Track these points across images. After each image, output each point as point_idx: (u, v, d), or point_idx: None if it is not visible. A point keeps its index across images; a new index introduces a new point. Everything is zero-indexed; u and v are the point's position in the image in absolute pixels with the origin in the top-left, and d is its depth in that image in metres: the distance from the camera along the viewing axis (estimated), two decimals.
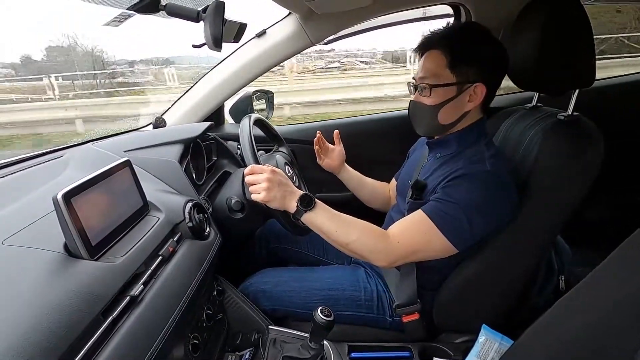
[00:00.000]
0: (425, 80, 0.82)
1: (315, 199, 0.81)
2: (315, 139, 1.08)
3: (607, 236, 0.68)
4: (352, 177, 1.15)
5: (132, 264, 0.58)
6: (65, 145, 1.01)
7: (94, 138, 1.08)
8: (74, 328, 0.44)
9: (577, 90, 0.81)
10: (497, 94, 0.86)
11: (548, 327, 0.64)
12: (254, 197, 0.81)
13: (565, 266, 0.94)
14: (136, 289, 0.54)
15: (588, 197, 0.78)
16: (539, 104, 0.97)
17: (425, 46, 0.84)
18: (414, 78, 0.87)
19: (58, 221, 0.51)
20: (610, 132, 0.80)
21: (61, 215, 0.50)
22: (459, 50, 0.79)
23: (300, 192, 0.81)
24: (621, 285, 0.55)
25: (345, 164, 1.14)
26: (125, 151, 0.89)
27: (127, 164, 0.66)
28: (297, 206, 0.80)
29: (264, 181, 0.79)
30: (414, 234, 0.79)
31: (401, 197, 0.99)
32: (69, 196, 0.51)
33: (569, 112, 0.82)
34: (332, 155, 1.11)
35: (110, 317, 0.49)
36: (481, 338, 0.83)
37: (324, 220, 0.81)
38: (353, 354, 0.89)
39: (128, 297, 0.53)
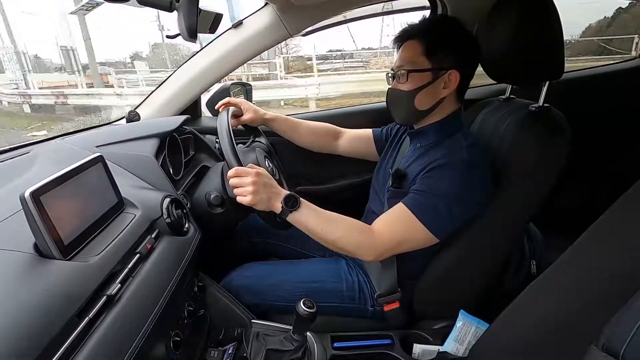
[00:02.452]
0: (403, 67, 0.85)
1: (300, 199, 0.82)
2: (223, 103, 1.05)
3: (575, 223, 0.71)
4: (283, 124, 1.15)
5: (108, 262, 0.56)
6: (31, 142, 0.96)
7: (61, 133, 1.03)
8: (48, 330, 0.43)
9: (547, 83, 0.84)
10: (472, 85, 0.88)
11: (520, 310, 0.68)
12: (240, 199, 0.80)
13: (537, 251, 0.99)
14: (113, 288, 0.53)
15: (558, 186, 0.81)
16: (512, 96, 1.00)
17: (403, 37, 0.86)
18: (392, 69, 0.89)
19: (27, 221, 0.49)
20: (578, 123, 0.84)
21: (30, 214, 0.48)
22: (434, 39, 0.82)
23: (284, 192, 0.82)
24: (587, 269, 0.58)
25: (271, 113, 1.13)
26: (97, 146, 0.85)
27: (100, 159, 0.64)
28: (282, 207, 0.80)
29: (250, 185, 0.78)
30: (397, 227, 0.81)
31: (381, 186, 1.00)
32: (37, 194, 0.49)
33: (540, 103, 0.85)
34: (245, 109, 1.08)
35: (87, 318, 0.48)
36: (459, 323, 0.86)
37: (309, 219, 0.82)
38: (336, 344, 0.91)
39: (105, 297, 0.51)
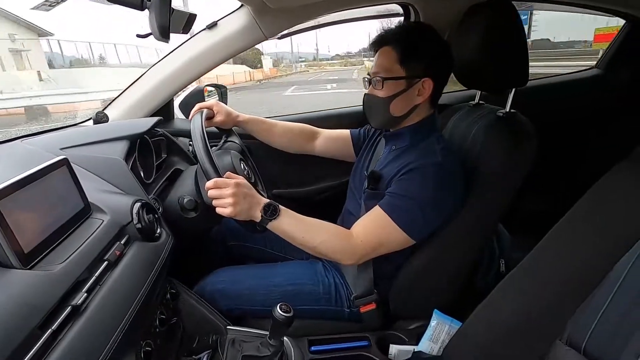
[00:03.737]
0: (379, 74, 0.86)
1: (279, 206, 0.81)
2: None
3: (541, 223, 0.75)
4: (257, 126, 1.13)
5: (73, 270, 0.53)
6: None
7: (23, 134, 0.97)
8: (6, 344, 0.40)
9: (513, 89, 0.88)
10: (445, 91, 0.91)
11: (490, 308, 0.70)
12: (220, 211, 0.79)
13: (505, 251, 1.03)
14: (79, 298, 0.50)
15: (525, 188, 0.85)
16: (481, 102, 1.04)
17: (379, 43, 0.88)
18: (368, 73, 0.90)
19: None
20: (542, 127, 0.88)
21: None
22: (408, 47, 0.84)
23: (264, 201, 0.81)
24: (553, 266, 0.61)
25: (243, 115, 1.11)
26: (61, 148, 0.81)
27: (65, 162, 0.61)
28: (262, 216, 0.80)
29: (230, 196, 0.77)
30: (375, 230, 0.83)
31: (358, 187, 1.01)
32: None
33: (507, 109, 0.89)
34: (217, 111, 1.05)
35: (49, 330, 0.45)
36: (433, 322, 0.88)
37: (289, 226, 0.82)
38: (313, 348, 0.90)
39: (69, 307, 0.49)
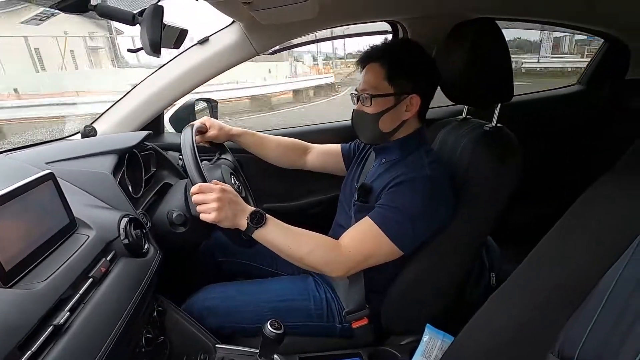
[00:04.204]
0: (367, 91, 0.87)
1: (266, 215, 0.80)
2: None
3: (529, 236, 0.76)
4: (249, 139, 1.13)
5: (56, 288, 0.52)
6: None
7: (8, 148, 0.95)
8: None
9: (499, 105, 0.90)
10: (433, 106, 0.93)
11: (481, 322, 0.70)
12: (204, 217, 0.77)
13: (495, 264, 1.04)
14: (61, 317, 0.49)
15: (513, 201, 0.87)
16: (468, 116, 1.06)
17: (366, 60, 0.89)
18: (356, 90, 0.91)
19: None
20: (528, 141, 0.91)
21: None
22: (395, 64, 0.85)
23: (250, 209, 0.80)
24: (543, 279, 0.62)
25: (237, 129, 1.11)
26: (47, 163, 0.80)
27: (50, 177, 0.59)
28: (248, 223, 0.78)
29: (214, 201, 0.76)
30: (364, 241, 0.82)
31: (348, 200, 1.02)
32: None
33: (493, 123, 0.91)
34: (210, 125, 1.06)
35: (29, 352, 0.43)
36: (425, 337, 0.88)
37: (276, 235, 0.81)
38: None
39: (51, 327, 0.47)
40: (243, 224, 0.79)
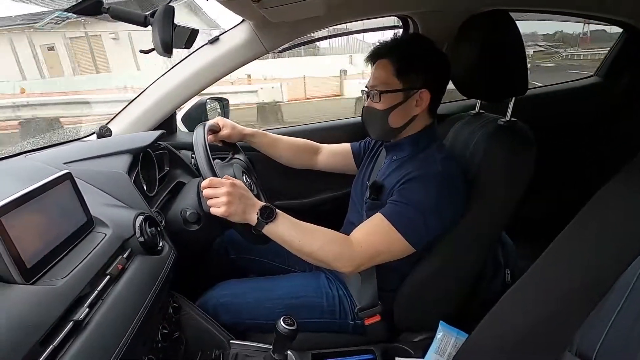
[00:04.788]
0: (376, 87, 0.87)
1: (276, 210, 0.81)
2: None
3: (545, 231, 0.74)
4: (262, 139, 1.14)
5: (75, 285, 0.53)
6: None
7: (27, 149, 0.98)
8: None
9: (513, 98, 0.89)
10: (445, 101, 0.92)
11: (497, 319, 0.69)
12: (214, 211, 0.78)
13: (510, 260, 1.02)
14: (80, 313, 0.50)
15: (527, 195, 0.85)
16: (481, 111, 1.05)
17: (375, 56, 0.89)
18: (366, 86, 0.91)
19: None
20: (543, 135, 0.89)
21: None
22: (404, 60, 0.85)
23: (260, 204, 0.81)
24: (559, 276, 0.61)
25: (250, 129, 1.12)
26: (65, 163, 0.82)
27: (68, 176, 0.61)
28: (258, 218, 0.79)
29: (224, 195, 0.77)
30: (375, 236, 0.82)
31: (359, 198, 1.01)
32: None
33: (507, 117, 0.89)
34: (223, 125, 1.07)
35: (51, 346, 0.45)
36: (439, 334, 0.87)
37: (286, 230, 0.81)
38: None
39: (71, 323, 0.48)
40: (253, 218, 0.79)
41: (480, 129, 0.91)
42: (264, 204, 0.81)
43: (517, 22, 0.83)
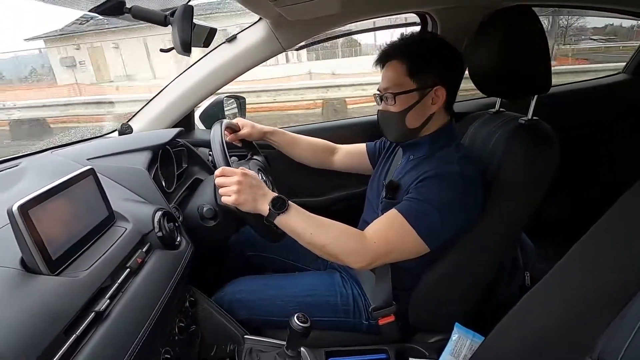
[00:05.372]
0: (389, 90, 0.86)
1: (289, 201, 0.80)
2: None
3: (566, 232, 0.72)
4: (281, 138, 1.15)
5: (97, 277, 0.55)
6: (22, 154, 0.95)
7: (53, 146, 1.02)
8: (33, 349, 0.41)
9: (535, 96, 0.86)
10: (464, 99, 0.90)
11: (515, 322, 0.67)
12: (224, 199, 0.79)
13: (530, 262, 0.99)
14: (102, 304, 0.52)
15: (548, 196, 0.83)
16: (501, 109, 1.02)
17: (385, 58, 0.88)
18: (378, 90, 0.90)
19: (14, 235, 0.48)
20: (566, 134, 0.86)
21: (17, 228, 0.47)
22: (415, 58, 0.83)
23: (272, 194, 0.81)
24: (581, 279, 0.59)
25: (269, 127, 1.14)
26: (88, 159, 0.85)
27: (91, 172, 0.63)
28: (270, 209, 0.79)
29: (235, 184, 0.77)
30: (389, 232, 0.80)
31: (375, 197, 1.01)
32: (26, 208, 0.48)
33: (529, 116, 0.87)
34: (242, 125, 1.09)
35: (74, 335, 0.46)
36: (454, 336, 0.86)
37: (298, 222, 0.80)
38: (330, 359, 0.89)
39: (93, 313, 0.50)
40: (265, 209, 0.79)
41: (500, 128, 0.89)
42: (276, 194, 0.80)
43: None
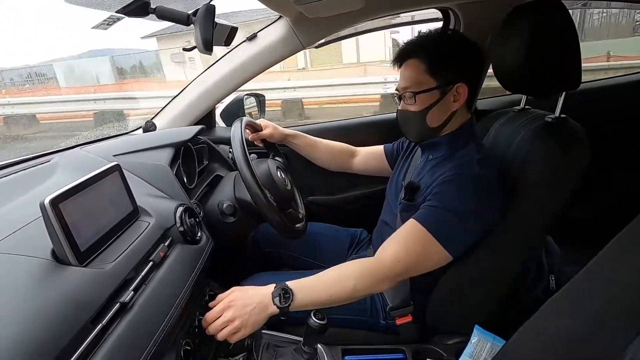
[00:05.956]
0: (408, 89, 0.84)
1: (285, 284, 0.74)
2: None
3: (594, 235, 0.69)
4: (302, 141, 1.16)
5: (122, 269, 0.57)
6: (53, 150, 0.99)
7: (82, 142, 1.06)
8: (61, 337, 0.43)
9: (564, 93, 0.83)
10: (487, 96, 0.87)
11: (539, 327, 0.65)
12: (235, 338, 0.70)
13: (556, 266, 0.96)
14: (126, 295, 0.53)
15: (575, 197, 0.79)
16: (527, 107, 0.99)
17: (402, 56, 0.86)
18: (397, 89, 0.88)
19: (45, 227, 0.50)
20: (595, 133, 0.82)
21: (48, 221, 0.49)
22: (435, 55, 0.81)
23: (268, 292, 0.73)
24: (609, 284, 0.56)
25: (291, 130, 1.15)
26: (114, 155, 0.88)
27: (117, 168, 0.65)
28: (278, 306, 0.72)
29: (222, 311, 0.70)
30: (411, 246, 0.78)
31: (393, 198, 0.99)
32: (56, 201, 0.50)
33: (557, 114, 0.83)
34: (265, 125, 1.10)
35: (100, 325, 0.48)
36: (474, 339, 0.84)
37: (311, 295, 0.75)
38: (347, 357, 0.89)
39: (118, 304, 0.52)
40: (273, 310, 0.71)
41: (525, 126, 0.86)
42: (270, 289, 0.73)
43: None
